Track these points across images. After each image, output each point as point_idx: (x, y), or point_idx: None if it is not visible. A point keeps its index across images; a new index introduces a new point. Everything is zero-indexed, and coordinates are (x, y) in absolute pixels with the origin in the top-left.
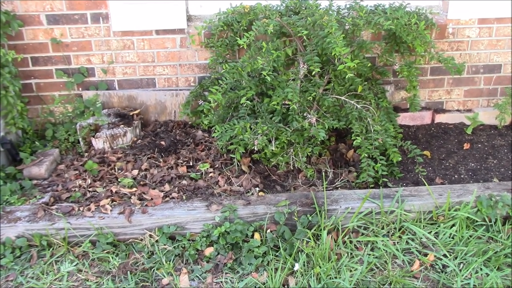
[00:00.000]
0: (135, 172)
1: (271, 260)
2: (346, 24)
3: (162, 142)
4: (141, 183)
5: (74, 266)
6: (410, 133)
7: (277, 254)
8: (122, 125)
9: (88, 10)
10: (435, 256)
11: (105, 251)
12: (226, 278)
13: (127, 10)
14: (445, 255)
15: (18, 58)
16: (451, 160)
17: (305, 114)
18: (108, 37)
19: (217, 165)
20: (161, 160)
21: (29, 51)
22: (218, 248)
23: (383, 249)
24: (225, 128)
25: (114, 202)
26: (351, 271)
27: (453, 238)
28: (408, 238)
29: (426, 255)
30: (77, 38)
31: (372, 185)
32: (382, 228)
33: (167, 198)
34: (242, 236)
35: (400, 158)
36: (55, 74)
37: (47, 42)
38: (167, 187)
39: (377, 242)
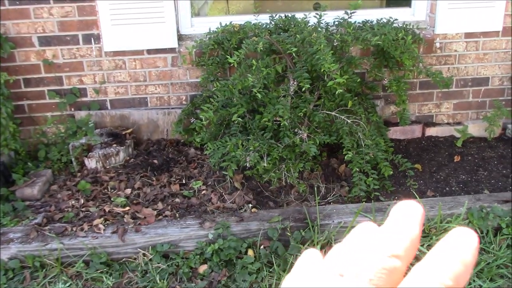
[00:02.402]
0: (128, 191)
1: (265, 276)
2: (335, 41)
3: (155, 161)
4: (134, 202)
5: (68, 286)
6: (401, 147)
7: (271, 270)
8: (115, 145)
9: (79, 31)
10: None
11: (99, 271)
12: None
13: (118, 31)
14: None
15: (10, 80)
16: (442, 173)
17: (296, 130)
18: (100, 57)
19: (210, 183)
20: (154, 178)
21: (21, 73)
22: (212, 266)
23: None
24: (217, 146)
25: (107, 222)
26: None
27: None
28: None
29: None
30: (69, 59)
31: (364, 199)
32: None
33: (160, 217)
34: (235, 253)
35: (391, 172)
36: (47, 95)
37: (39, 64)
38: (160, 205)
39: None
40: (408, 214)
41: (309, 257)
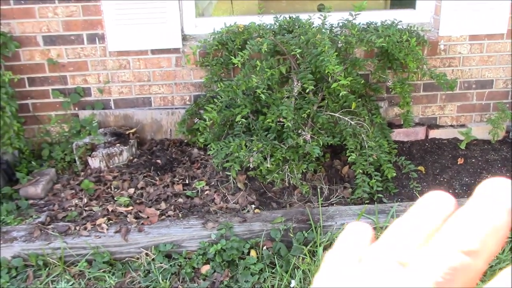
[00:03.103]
0: (131, 190)
1: (267, 277)
2: (339, 42)
3: (158, 161)
4: (137, 201)
5: (70, 285)
6: (404, 148)
7: (273, 271)
8: (118, 144)
9: (84, 31)
10: None
11: (102, 270)
12: None
13: (123, 31)
14: None
15: (15, 79)
16: (446, 175)
17: (299, 131)
18: (104, 57)
19: (213, 183)
20: (157, 178)
21: (26, 72)
22: (214, 266)
23: None
24: (220, 146)
25: (111, 221)
26: None
27: None
28: None
29: None
30: (73, 59)
31: (367, 201)
32: None
33: (163, 216)
34: (238, 254)
35: (394, 174)
36: (51, 94)
37: (44, 63)
38: (163, 205)
39: None
40: (492, 195)
41: (357, 231)
